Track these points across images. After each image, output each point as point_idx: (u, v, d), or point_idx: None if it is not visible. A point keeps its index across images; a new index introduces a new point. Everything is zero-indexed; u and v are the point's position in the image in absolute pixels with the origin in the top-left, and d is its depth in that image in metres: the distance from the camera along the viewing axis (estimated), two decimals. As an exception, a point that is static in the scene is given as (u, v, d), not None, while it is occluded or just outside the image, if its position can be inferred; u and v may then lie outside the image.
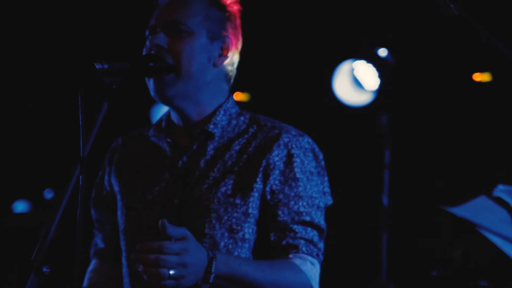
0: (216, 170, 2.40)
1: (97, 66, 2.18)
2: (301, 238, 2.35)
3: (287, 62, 5.65)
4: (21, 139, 6.31)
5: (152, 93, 2.43)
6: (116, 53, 2.58)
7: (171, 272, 2.06)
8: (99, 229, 2.61)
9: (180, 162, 2.44)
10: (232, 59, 2.51)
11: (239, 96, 5.75)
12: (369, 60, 5.25)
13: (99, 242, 2.60)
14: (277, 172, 2.38)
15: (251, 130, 2.46)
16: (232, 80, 2.54)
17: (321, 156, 2.48)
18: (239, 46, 2.54)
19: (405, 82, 5.34)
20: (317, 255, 2.38)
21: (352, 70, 5.34)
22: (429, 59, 5.36)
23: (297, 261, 2.33)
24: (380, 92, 5.22)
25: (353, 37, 5.38)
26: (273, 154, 2.39)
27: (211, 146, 2.44)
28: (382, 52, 5.23)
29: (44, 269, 1.94)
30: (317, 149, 2.47)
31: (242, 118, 2.50)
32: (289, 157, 2.39)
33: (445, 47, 5.25)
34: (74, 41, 5.54)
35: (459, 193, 4.22)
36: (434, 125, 5.38)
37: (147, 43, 2.44)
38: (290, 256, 2.34)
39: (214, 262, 2.15)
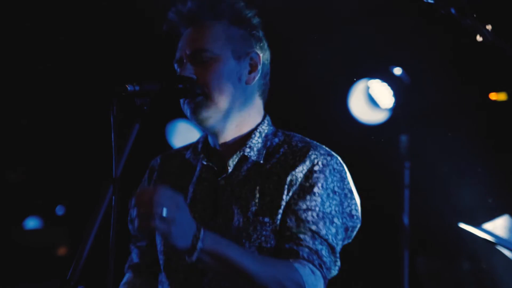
0: (248, 190, 2.43)
1: (128, 88, 2.20)
2: (306, 246, 2.34)
3: (304, 81, 5.66)
4: (33, 156, 6.32)
5: (188, 115, 2.46)
6: (147, 75, 2.60)
7: (164, 212, 2.06)
8: (135, 245, 2.63)
9: (215, 185, 2.46)
10: (263, 72, 2.53)
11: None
12: (384, 79, 5.27)
13: (134, 257, 2.63)
14: (297, 184, 2.40)
15: (282, 150, 2.48)
16: (266, 94, 2.58)
17: (348, 179, 2.48)
18: (268, 57, 2.58)
19: (420, 100, 5.35)
20: (320, 266, 2.34)
21: (368, 88, 5.36)
22: (443, 78, 5.37)
23: (295, 264, 2.30)
24: (395, 111, 5.23)
25: (368, 56, 5.40)
26: (297, 170, 2.41)
27: (245, 168, 2.47)
28: (397, 71, 5.25)
29: (80, 288, 1.95)
30: (345, 172, 2.47)
31: (276, 139, 2.52)
32: (311, 171, 2.40)
33: (460, 66, 5.26)
34: (107, 62, 5.59)
35: (480, 212, 4.22)
36: (452, 144, 5.37)
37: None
38: (290, 260, 2.32)
39: (202, 230, 2.14)
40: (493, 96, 5.27)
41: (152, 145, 2.75)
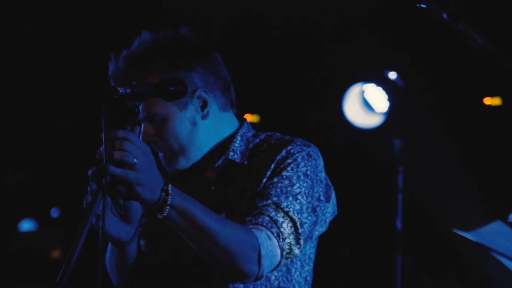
0: (235, 193, 2.45)
1: (120, 91, 2.19)
2: (267, 215, 2.33)
3: (298, 85, 5.67)
4: (28, 159, 6.32)
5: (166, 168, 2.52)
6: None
7: (135, 160, 2.06)
8: None
9: (206, 192, 2.49)
10: (219, 92, 2.55)
11: (248, 118, 5.77)
12: (379, 83, 5.28)
13: None
14: (270, 174, 2.43)
15: (261, 149, 2.51)
16: (232, 104, 2.60)
17: (321, 168, 2.48)
18: (217, 66, 2.56)
19: (415, 105, 5.35)
20: (278, 235, 2.32)
21: (362, 92, 5.37)
22: (438, 83, 5.38)
23: (253, 229, 2.30)
24: (390, 115, 5.24)
25: (363, 60, 5.41)
26: (274, 163, 2.43)
27: (231, 171, 2.50)
28: (392, 75, 5.25)
29: (69, 292, 1.94)
30: (320, 161, 2.47)
31: (257, 140, 2.55)
32: (284, 158, 2.43)
33: (455, 71, 5.27)
34: (98, 64, 5.59)
35: (473, 217, 4.22)
36: (446, 149, 5.38)
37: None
38: (249, 226, 2.32)
39: (170, 185, 2.14)
40: (488, 101, 5.28)
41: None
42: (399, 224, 4.79)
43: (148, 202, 2.13)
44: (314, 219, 2.42)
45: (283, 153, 2.43)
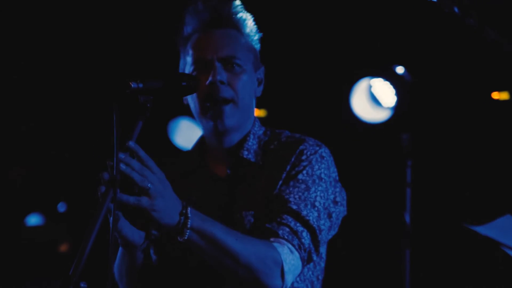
0: (251, 194, 2.45)
1: (132, 85, 2.19)
2: (286, 225, 2.35)
3: (306, 80, 5.67)
4: (35, 154, 6.33)
5: (209, 124, 2.49)
6: (150, 72, 2.60)
7: (149, 185, 2.08)
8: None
9: (219, 190, 2.49)
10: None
11: (256, 113, 5.77)
12: (386, 78, 5.27)
13: None
14: (286, 176, 2.44)
15: (272, 147, 2.52)
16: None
17: (334, 169, 2.50)
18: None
19: (422, 99, 5.35)
20: (299, 247, 2.34)
21: (370, 87, 5.36)
22: (446, 77, 5.37)
23: (275, 243, 2.31)
24: (397, 110, 5.23)
25: (370, 55, 5.40)
26: (289, 165, 2.45)
27: (245, 171, 2.50)
28: (399, 69, 5.24)
29: (82, 285, 1.94)
30: (331, 161, 2.50)
31: (266, 138, 2.56)
32: (298, 160, 2.44)
33: (462, 65, 5.26)
34: (110, 59, 5.59)
35: (483, 211, 4.21)
36: (454, 143, 5.37)
37: (190, 70, 2.50)
38: (271, 240, 2.33)
39: (189, 209, 2.16)
40: (496, 95, 5.27)
41: (154, 143, 2.75)
42: (407, 218, 4.79)
43: (167, 226, 2.15)
44: (329, 224, 2.44)
45: (297, 153, 2.44)
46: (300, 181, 2.41)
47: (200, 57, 2.50)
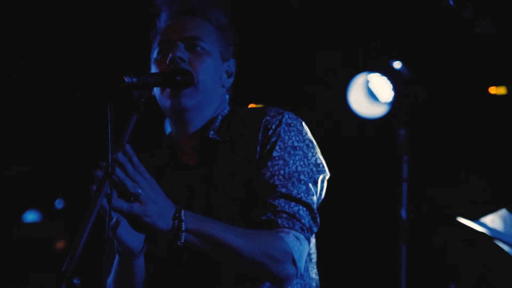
0: (221, 175, 2.43)
1: (126, 80, 2.19)
2: (283, 212, 2.33)
3: (303, 75, 5.66)
4: (32, 150, 6.33)
5: (167, 103, 2.45)
6: (143, 67, 2.60)
7: (140, 191, 2.09)
8: None
9: (190, 176, 2.47)
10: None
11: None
12: (383, 73, 5.26)
13: None
14: (259, 154, 2.41)
15: (238, 127, 2.49)
16: (230, 94, 2.61)
17: (305, 130, 2.47)
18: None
19: (419, 94, 5.34)
20: (302, 229, 2.33)
21: (367, 82, 5.36)
22: (443, 72, 5.37)
23: (280, 233, 2.29)
24: (394, 105, 5.23)
25: (368, 50, 5.39)
26: (256, 141, 2.42)
27: (213, 152, 2.47)
28: (397, 64, 5.24)
29: (75, 281, 1.94)
30: (300, 123, 2.46)
31: (228, 115, 2.54)
32: (267, 137, 2.41)
33: (460, 60, 5.25)
34: (104, 54, 5.58)
35: (478, 206, 4.22)
36: (451, 138, 5.37)
37: (156, 56, 2.49)
38: (273, 230, 2.31)
39: (183, 212, 2.16)
40: (493, 90, 5.26)
41: (150, 138, 2.74)
42: (403, 213, 4.80)
43: (162, 231, 2.15)
44: (317, 189, 2.43)
45: (261, 128, 2.42)
46: (277, 158, 2.38)
47: (164, 39, 2.50)
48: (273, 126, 2.42)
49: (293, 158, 2.39)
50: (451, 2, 2.27)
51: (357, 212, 5.03)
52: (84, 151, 5.88)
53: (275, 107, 2.49)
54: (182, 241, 2.16)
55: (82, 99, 5.71)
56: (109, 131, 2.10)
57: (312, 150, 2.44)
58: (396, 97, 5.22)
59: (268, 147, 2.40)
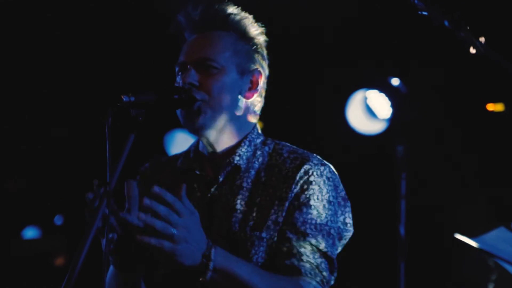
0: (244, 203, 2.43)
1: (124, 99, 2.21)
2: (307, 262, 2.34)
3: (301, 91, 5.68)
4: (32, 166, 6.33)
5: (182, 121, 2.47)
6: (141, 85, 2.62)
7: (173, 231, 2.06)
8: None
9: (208, 194, 2.46)
10: (261, 91, 2.56)
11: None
12: (381, 90, 5.28)
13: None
14: (294, 197, 2.41)
15: (274, 161, 2.48)
16: (260, 110, 2.59)
17: (341, 187, 2.50)
18: (267, 75, 2.61)
19: (418, 111, 5.35)
20: (322, 282, 2.35)
21: (365, 99, 5.37)
22: (441, 89, 5.38)
23: (301, 281, 2.31)
24: (393, 121, 5.24)
25: (366, 66, 5.41)
26: (292, 183, 2.42)
27: (237, 178, 2.47)
28: (395, 81, 5.25)
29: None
30: (338, 179, 2.49)
31: (266, 148, 2.53)
32: (307, 183, 2.41)
33: (457, 77, 5.27)
34: (102, 73, 5.60)
35: (477, 224, 4.22)
36: (449, 155, 5.38)
37: (178, 79, 2.49)
38: (295, 278, 2.32)
39: (213, 250, 2.14)
40: (490, 107, 5.27)
41: (150, 156, 2.75)
42: (402, 230, 4.79)
43: (187, 268, 2.13)
44: (339, 244, 2.47)
45: (302, 174, 2.41)
46: (312, 207, 2.39)
47: (179, 62, 2.52)
48: (315, 175, 2.42)
49: (326, 211, 2.41)
50: (446, 23, 2.29)
51: (355, 229, 5.02)
52: (84, 168, 5.89)
53: (318, 156, 2.50)
54: (207, 279, 2.15)
55: (83, 116, 5.72)
56: (107, 149, 2.12)
57: (342, 209, 2.47)
58: (394, 114, 5.23)
59: (306, 193, 2.40)
